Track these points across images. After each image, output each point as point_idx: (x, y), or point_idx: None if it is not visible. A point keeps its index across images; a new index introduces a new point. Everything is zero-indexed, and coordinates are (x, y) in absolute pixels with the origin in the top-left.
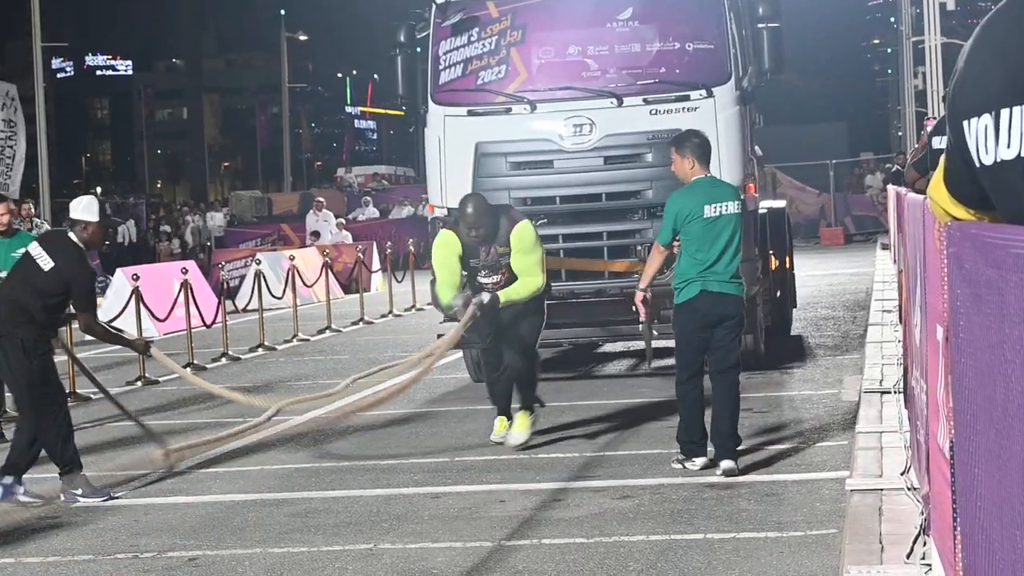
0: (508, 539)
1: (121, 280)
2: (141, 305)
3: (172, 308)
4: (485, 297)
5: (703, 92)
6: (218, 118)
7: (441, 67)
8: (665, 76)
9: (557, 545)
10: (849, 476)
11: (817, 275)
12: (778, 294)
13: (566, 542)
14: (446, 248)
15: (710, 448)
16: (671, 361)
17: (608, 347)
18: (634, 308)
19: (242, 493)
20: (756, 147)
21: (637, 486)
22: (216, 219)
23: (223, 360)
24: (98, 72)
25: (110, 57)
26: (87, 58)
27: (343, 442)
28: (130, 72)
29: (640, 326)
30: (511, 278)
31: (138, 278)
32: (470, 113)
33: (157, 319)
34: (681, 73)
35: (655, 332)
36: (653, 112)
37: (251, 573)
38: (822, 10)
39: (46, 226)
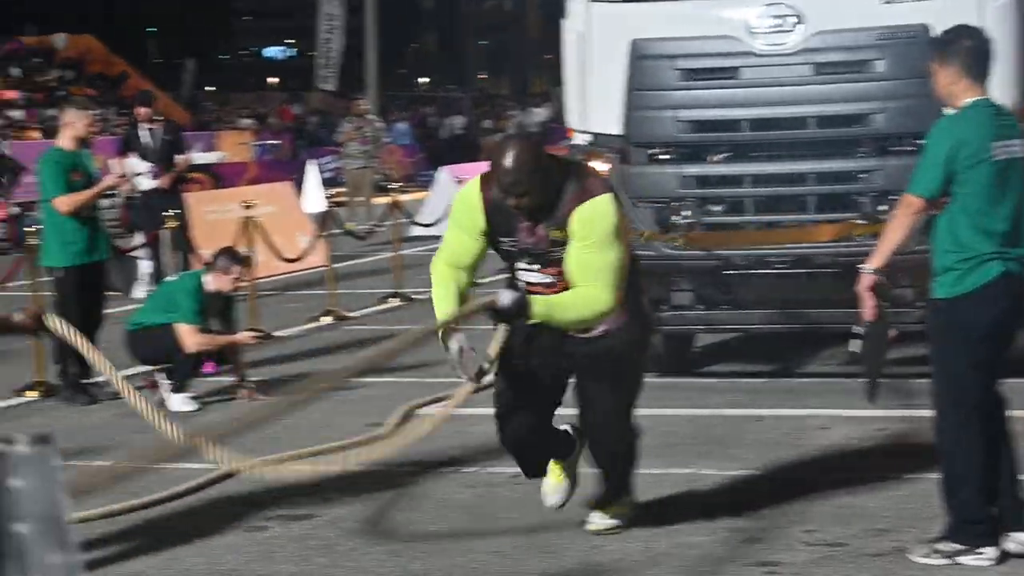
0: (830, 471)
1: (446, 179)
2: None
3: None
4: (506, 297)
5: None
6: (541, 9)
7: None
8: None
9: (881, 478)
10: None
11: None
12: None
13: (891, 476)
14: (463, 210)
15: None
16: None
17: None
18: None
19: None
20: None
21: None
22: (538, 114)
23: None
24: None
25: None
26: None
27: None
28: None
29: (859, 334)
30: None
31: (461, 181)
32: None
33: None
34: None
35: (890, 333)
36: None
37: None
38: None
39: (378, 122)
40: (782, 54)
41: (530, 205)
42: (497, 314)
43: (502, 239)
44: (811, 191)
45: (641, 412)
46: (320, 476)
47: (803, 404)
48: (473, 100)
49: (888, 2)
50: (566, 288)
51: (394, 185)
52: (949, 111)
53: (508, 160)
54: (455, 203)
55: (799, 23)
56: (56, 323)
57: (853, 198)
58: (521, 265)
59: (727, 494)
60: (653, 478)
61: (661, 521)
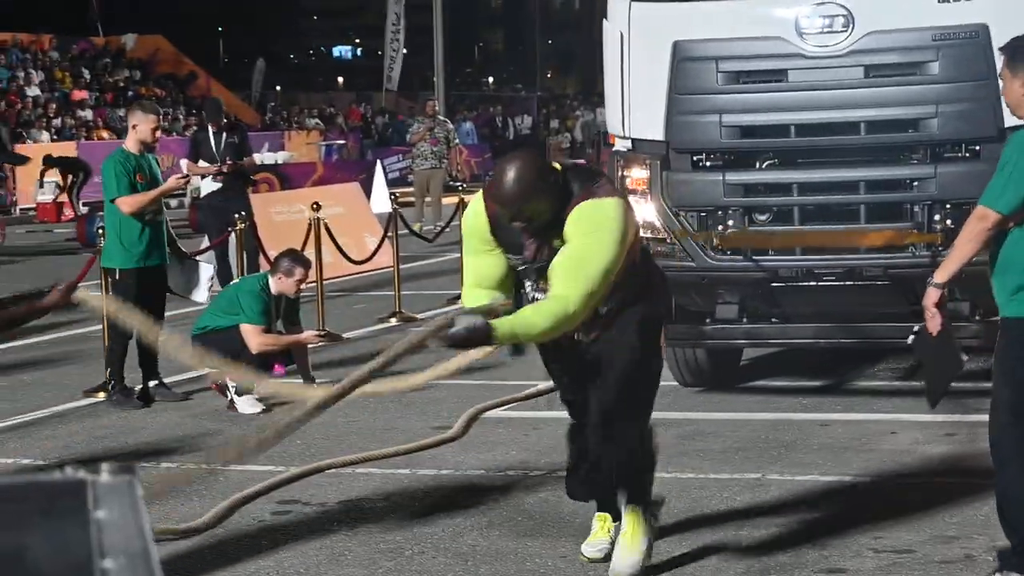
0: (898, 476)
1: None
2: None
3: None
4: (461, 323)
5: None
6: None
7: None
8: None
9: (950, 485)
10: None
11: None
12: None
13: (960, 482)
14: (471, 233)
15: None
16: None
17: None
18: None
19: None
20: None
21: None
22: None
23: None
24: None
25: None
26: None
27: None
28: None
29: (912, 336)
30: None
31: None
32: None
33: None
34: None
35: (965, 356)
36: None
37: None
38: None
39: (449, 124)
40: (832, 56)
41: (537, 226)
42: (450, 341)
43: (510, 257)
44: (862, 199)
45: (707, 417)
46: (387, 479)
47: (870, 408)
48: (540, 100)
49: (944, 0)
50: None
51: (461, 185)
52: (1016, 120)
53: (509, 182)
54: (464, 227)
55: (851, 22)
56: (87, 295)
57: (905, 207)
58: (529, 284)
59: (794, 499)
60: (719, 483)
61: (728, 526)
